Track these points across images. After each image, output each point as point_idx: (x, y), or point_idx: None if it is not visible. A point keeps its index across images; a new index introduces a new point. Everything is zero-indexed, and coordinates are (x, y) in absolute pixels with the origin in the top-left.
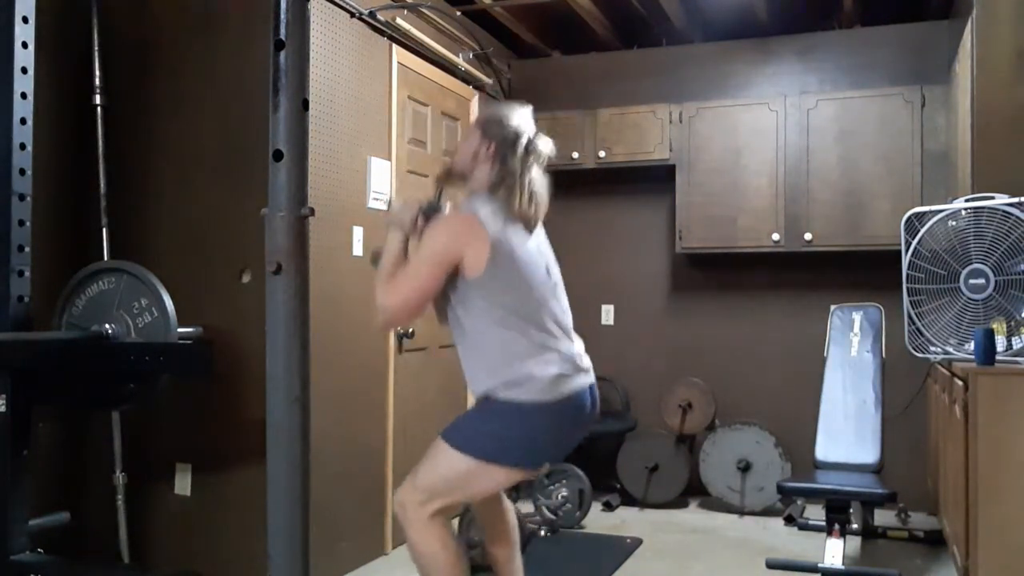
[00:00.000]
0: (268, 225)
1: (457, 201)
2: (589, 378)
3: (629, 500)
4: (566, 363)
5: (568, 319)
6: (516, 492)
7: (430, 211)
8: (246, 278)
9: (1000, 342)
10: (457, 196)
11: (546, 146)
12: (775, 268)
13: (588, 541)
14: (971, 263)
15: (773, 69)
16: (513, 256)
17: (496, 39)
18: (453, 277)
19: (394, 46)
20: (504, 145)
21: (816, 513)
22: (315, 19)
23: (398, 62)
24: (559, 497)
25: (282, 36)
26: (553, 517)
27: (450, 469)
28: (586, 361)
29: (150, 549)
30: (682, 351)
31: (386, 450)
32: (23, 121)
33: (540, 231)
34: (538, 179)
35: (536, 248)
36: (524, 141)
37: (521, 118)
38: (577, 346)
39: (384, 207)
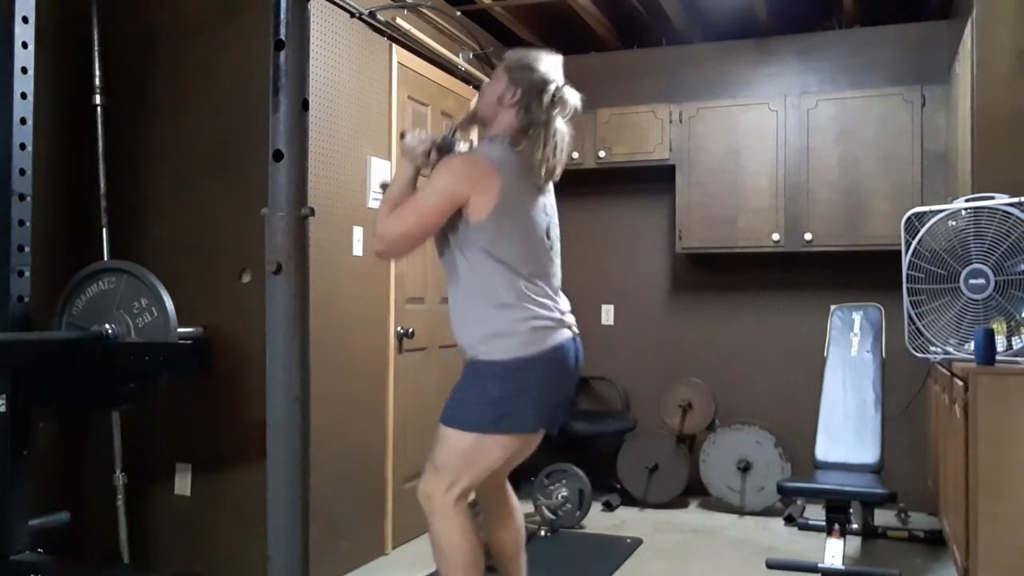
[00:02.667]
0: (268, 225)
1: (473, 141)
2: (571, 332)
3: (629, 500)
4: (549, 317)
5: (558, 281)
6: (516, 492)
7: (444, 147)
8: (246, 278)
9: (1000, 342)
10: (474, 138)
11: (573, 97)
12: (775, 268)
13: (588, 541)
14: (971, 263)
15: (773, 69)
16: (518, 209)
17: (496, 39)
18: (455, 218)
19: (394, 46)
20: (530, 93)
21: (816, 513)
22: (315, 19)
23: (398, 62)
24: (559, 497)
25: (282, 36)
26: (553, 517)
27: (457, 447)
28: (569, 318)
29: (150, 549)
30: (682, 351)
31: (386, 450)
32: (23, 121)
33: (550, 189)
34: (562, 130)
35: (542, 206)
36: (552, 90)
37: (550, 65)
38: (563, 305)
39: (399, 136)
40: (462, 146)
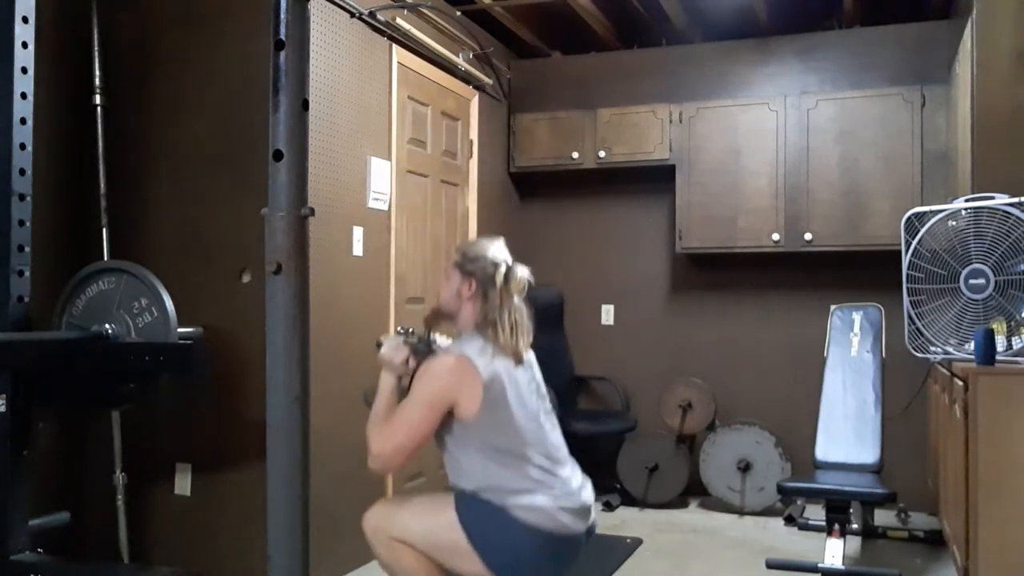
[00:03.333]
0: (268, 225)
1: (446, 334)
2: (588, 521)
3: (629, 500)
4: (564, 498)
5: (563, 451)
6: None
7: (421, 350)
8: (246, 278)
9: (1000, 342)
10: (447, 331)
11: (524, 272)
12: (775, 268)
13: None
14: (971, 263)
15: (773, 69)
16: (505, 396)
17: (496, 39)
18: (447, 418)
19: (394, 46)
20: (484, 280)
21: (816, 513)
22: (315, 19)
23: (398, 62)
24: None
25: (282, 36)
26: None
27: (445, 536)
28: (586, 494)
29: (150, 549)
30: (682, 351)
31: None
32: (23, 121)
33: (531, 356)
34: (519, 308)
35: (527, 381)
36: (503, 271)
37: (496, 250)
38: (575, 480)
39: (375, 345)
40: (441, 341)
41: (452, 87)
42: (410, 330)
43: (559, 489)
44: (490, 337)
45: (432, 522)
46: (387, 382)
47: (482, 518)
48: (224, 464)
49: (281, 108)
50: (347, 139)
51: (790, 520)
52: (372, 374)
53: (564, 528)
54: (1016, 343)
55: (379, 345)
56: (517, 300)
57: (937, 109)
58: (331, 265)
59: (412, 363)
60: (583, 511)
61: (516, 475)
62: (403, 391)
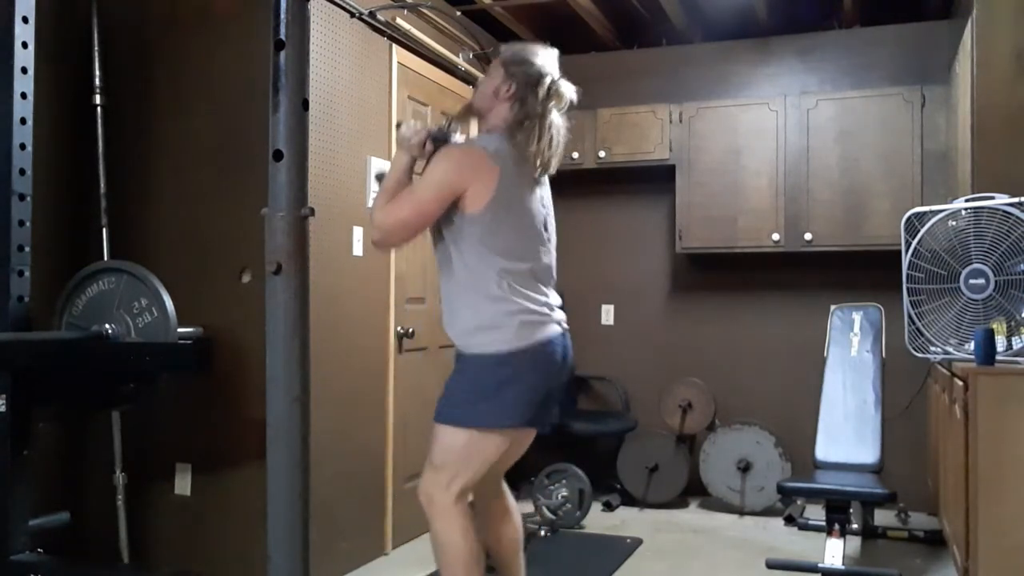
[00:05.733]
0: (268, 225)
1: (469, 133)
2: (560, 327)
3: (629, 500)
4: (539, 312)
5: (553, 274)
6: (516, 492)
7: (439, 138)
8: (246, 278)
9: (1000, 342)
10: (471, 129)
11: (568, 90)
12: (775, 268)
13: (588, 541)
14: (971, 263)
15: (773, 69)
16: (514, 201)
17: (496, 39)
18: (450, 210)
19: (394, 46)
20: (526, 86)
21: (816, 513)
22: (315, 19)
23: (398, 62)
24: (559, 497)
25: (282, 36)
26: (553, 517)
27: (452, 444)
28: (559, 313)
29: (150, 549)
30: (682, 351)
31: (386, 450)
32: (23, 121)
33: (546, 183)
34: (557, 123)
35: (539, 198)
36: (547, 83)
37: (545, 59)
38: (553, 299)
39: (395, 126)
40: (458, 137)
41: (452, 87)
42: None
43: (537, 303)
44: (519, 142)
45: (442, 447)
46: (401, 160)
47: (471, 399)
48: (224, 464)
49: (281, 108)
50: (347, 139)
51: (790, 520)
52: (373, 374)
53: (534, 340)
54: (1016, 343)
55: (399, 126)
56: (556, 116)
57: (937, 109)
58: (331, 265)
59: (429, 147)
60: (555, 321)
61: (501, 278)
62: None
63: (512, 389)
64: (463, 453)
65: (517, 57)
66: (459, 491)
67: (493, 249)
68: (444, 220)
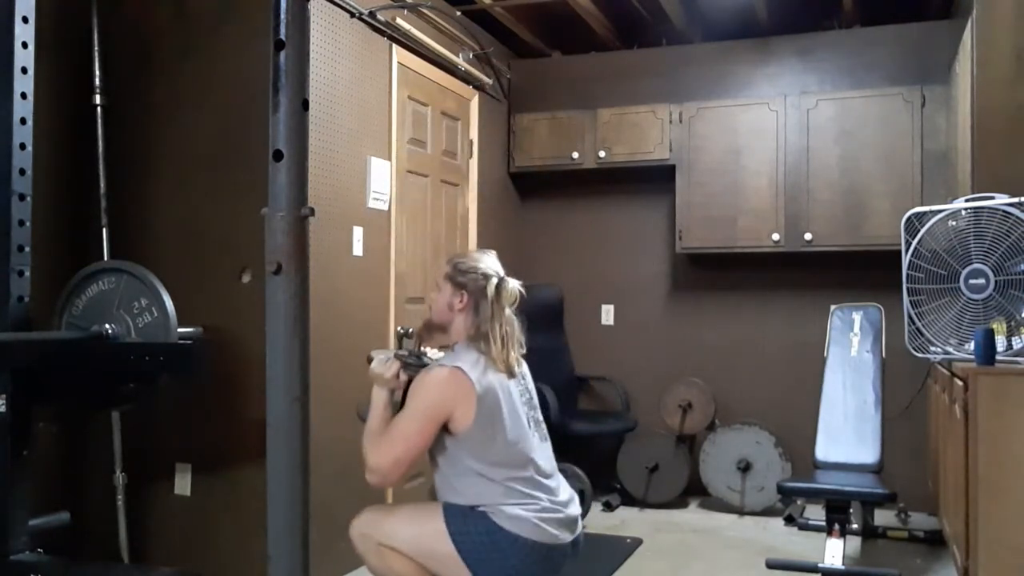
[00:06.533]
0: (268, 225)
1: (435, 346)
2: (574, 532)
3: (629, 500)
4: (551, 510)
5: (552, 465)
6: None
7: (412, 363)
8: (246, 278)
9: (1000, 342)
10: (439, 342)
11: (515, 285)
12: (775, 268)
13: (588, 541)
14: (971, 263)
15: (773, 69)
16: (499, 410)
17: (496, 39)
18: (439, 435)
19: (394, 46)
20: (476, 293)
21: (816, 513)
22: (315, 19)
23: (398, 62)
24: None
25: (282, 36)
26: None
27: (433, 544)
28: (573, 509)
29: (150, 549)
30: (682, 351)
31: None
32: (23, 121)
33: (523, 367)
34: (510, 320)
35: (520, 392)
36: (494, 283)
37: (488, 262)
38: (563, 492)
39: (366, 360)
40: (431, 354)
41: (452, 87)
42: (407, 332)
43: (547, 501)
44: (483, 349)
45: (420, 530)
46: (380, 397)
47: (470, 528)
48: (224, 464)
49: (281, 108)
50: (347, 139)
51: (790, 520)
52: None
53: (551, 538)
54: (1016, 343)
55: (370, 360)
56: (508, 312)
57: (937, 109)
58: (331, 265)
59: (403, 377)
60: (569, 522)
61: (505, 489)
62: (396, 405)
63: (516, 568)
64: (430, 556)
65: (462, 267)
66: (390, 547)
67: (489, 461)
68: (436, 448)
